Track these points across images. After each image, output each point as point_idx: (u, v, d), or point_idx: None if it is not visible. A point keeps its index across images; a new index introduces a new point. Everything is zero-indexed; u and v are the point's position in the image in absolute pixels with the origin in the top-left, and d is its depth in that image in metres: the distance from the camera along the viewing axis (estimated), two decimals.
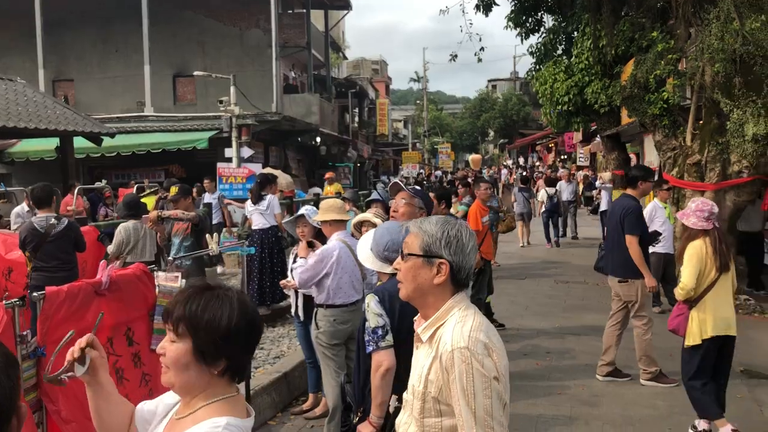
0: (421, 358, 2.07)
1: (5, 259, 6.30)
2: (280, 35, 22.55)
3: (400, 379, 2.97)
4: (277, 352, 7.16)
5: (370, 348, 2.86)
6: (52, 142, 16.75)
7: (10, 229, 8.23)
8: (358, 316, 4.96)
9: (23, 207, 9.83)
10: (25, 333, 2.97)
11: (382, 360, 2.85)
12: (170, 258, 4.99)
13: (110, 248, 6.93)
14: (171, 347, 1.58)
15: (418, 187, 5.31)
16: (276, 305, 8.78)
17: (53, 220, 6.12)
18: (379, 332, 2.86)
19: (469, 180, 12.15)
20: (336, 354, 4.92)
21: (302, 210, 5.39)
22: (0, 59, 22.15)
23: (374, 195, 6.53)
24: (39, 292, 3.11)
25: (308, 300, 5.23)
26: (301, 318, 5.44)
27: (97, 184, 14.73)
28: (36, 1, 20.61)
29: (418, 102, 67.26)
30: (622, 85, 10.72)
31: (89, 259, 6.88)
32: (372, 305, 2.89)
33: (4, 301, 2.89)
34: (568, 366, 6.64)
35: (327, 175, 16.97)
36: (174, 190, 7.14)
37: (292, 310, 5.60)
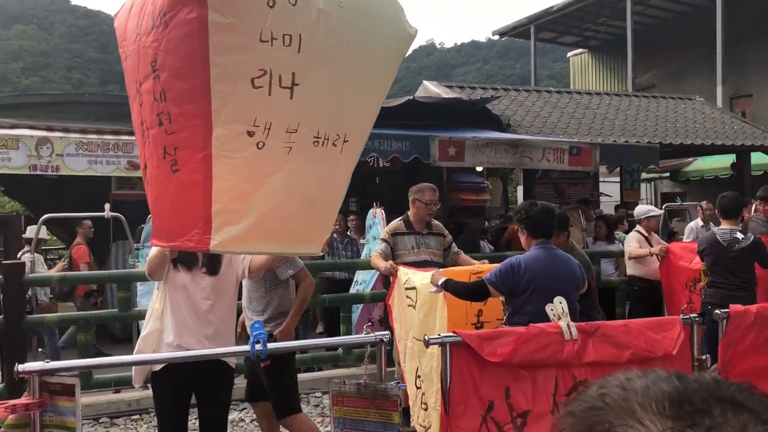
0: None
1: (689, 269, 6.08)
2: None
3: None
4: None
5: None
6: (728, 159, 16.14)
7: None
8: None
9: (697, 222, 9.59)
10: (704, 357, 2.45)
11: None
12: None
13: None
14: None
15: None
16: None
17: (738, 234, 5.49)
18: None
19: None
20: None
21: None
22: (681, 81, 22.89)
23: None
24: (723, 310, 2.53)
25: None
26: None
27: None
28: (718, 21, 20.37)
29: None
30: None
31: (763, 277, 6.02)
32: None
33: (682, 315, 2.43)
34: None
35: None
36: None
37: None
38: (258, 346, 2.31)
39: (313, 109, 2.39)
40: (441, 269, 4.47)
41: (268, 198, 2.37)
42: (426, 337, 2.17)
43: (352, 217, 9.02)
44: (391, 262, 4.97)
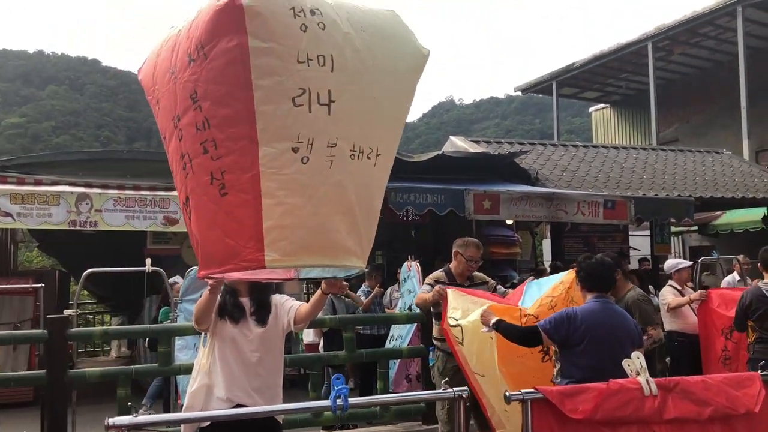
0: None
1: (725, 316, 5.98)
2: None
3: None
4: None
5: None
6: (758, 213, 15.98)
7: None
8: None
9: (734, 276, 9.43)
10: None
11: None
12: None
13: None
14: None
15: None
16: None
17: None
18: None
19: None
20: None
21: None
22: (705, 135, 22.91)
23: None
24: None
25: None
26: None
27: None
28: (741, 74, 20.50)
29: None
30: None
31: None
32: None
33: (760, 371, 2.38)
34: None
35: None
36: None
37: None
38: (339, 401, 2.30)
39: (348, 123, 2.54)
40: (489, 305, 4.43)
41: (315, 211, 2.46)
42: (506, 393, 2.15)
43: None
44: (438, 285, 4.94)
